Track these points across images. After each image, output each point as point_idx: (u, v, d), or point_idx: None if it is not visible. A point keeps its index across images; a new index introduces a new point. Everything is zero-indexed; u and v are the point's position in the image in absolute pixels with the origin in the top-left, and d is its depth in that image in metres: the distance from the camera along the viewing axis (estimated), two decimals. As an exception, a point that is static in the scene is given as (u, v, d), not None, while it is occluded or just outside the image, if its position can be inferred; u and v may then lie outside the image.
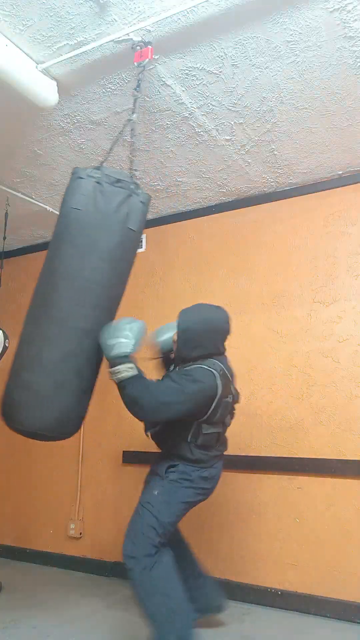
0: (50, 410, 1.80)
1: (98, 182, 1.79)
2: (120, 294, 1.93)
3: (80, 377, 1.83)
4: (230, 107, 2.28)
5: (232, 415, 2.12)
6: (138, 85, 1.96)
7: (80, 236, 1.79)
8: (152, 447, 2.19)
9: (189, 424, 1.98)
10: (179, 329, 2.07)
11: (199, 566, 2.27)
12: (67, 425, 1.88)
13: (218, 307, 2.14)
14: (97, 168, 1.84)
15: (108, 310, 1.88)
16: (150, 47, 1.89)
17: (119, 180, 1.81)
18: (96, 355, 1.86)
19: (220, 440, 2.11)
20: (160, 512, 1.93)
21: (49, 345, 1.79)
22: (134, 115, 1.98)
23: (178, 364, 2.11)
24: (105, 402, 2.98)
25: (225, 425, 2.10)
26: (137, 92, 1.97)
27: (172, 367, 2.19)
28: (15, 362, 1.89)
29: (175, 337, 2.10)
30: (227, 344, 3.00)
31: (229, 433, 2.90)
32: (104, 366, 1.91)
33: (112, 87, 2.18)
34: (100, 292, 1.81)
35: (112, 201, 1.79)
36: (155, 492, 1.97)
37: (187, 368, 1.98)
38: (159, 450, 2.15)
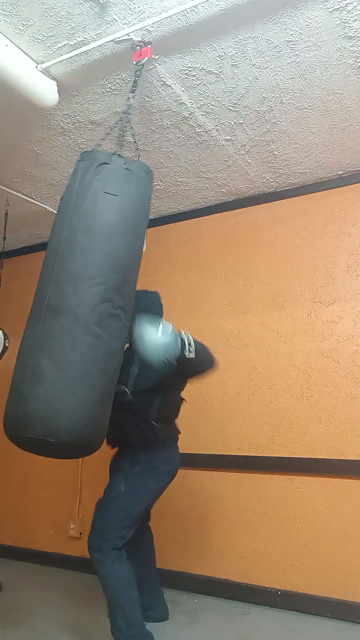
0: (21, 402, 1.54)
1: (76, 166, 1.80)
2: (103, 263, 1.66)
3: (49, 358, 1.56)
4: (230, 107, 2.28)
5: None
6: (134, 85, 1.94)
7: (59, 215, 1.78)
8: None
9: (152, 395, 2.04)
10: (141, 309, 2.05)
11: (155, 571, 2.36)
12: (39, 421, 1.51)
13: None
14: None
15: (83, 282, 1.62)
16: (149, 47, 1.88)
17: (87, 153, 1.78)
18: (68, 338, 1.58)
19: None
20: (129, 504, 2.00)
21: (27, 327, 1.69)
22: (129, 110, 1.94)
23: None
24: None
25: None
26: (134, 87, 1.94)
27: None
28: None
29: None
30: (227, 344, 3.02)
31: (229, 433, 2.90)
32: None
33: (112, 87, 2.18)
34: (71, 263, 1.65)
35: (81, 173, 1.75)
36: (122, 488, 2.02)
37: None
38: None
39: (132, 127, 1.94)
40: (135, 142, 1.97)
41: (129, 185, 1.73)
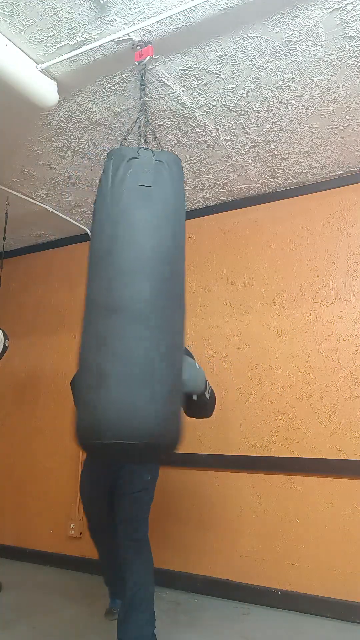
0: (89, 408, 1.49)
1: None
2: (149, 256, 1.62)
3: (111, 357, 1.50)
4: (230, 107, 2.28)
5: None
6: (142, 83, 1.91)
7: (96, 215, 1.74)
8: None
9: None
10: None
11: None
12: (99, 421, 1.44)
13: None
14: None
15: (133, 276, 1.58)
16: (150, 45, 1.88)
17: (115, 151, 1.76)
18: (127, 335, 1.53)
19: None
20: (153, 489, 2.12)
21: (82, 332, 1.65)
22: (144, 107, 1.90)
23: None
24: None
25: None
26: (142, 88, 1.91)
27: None
28: None
29: None
30: (227, 344, 3.02)
31: (229, 433, 2.90)
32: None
33: (112, 87, 2.18)
34: (117, 259, 1.62)
35: (112, 171, 1.73)
36: (149, 477, 2.10)
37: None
38: None
39: (150, 124, 1.94)
40: (156, 137, 1.96)
41: (162, 176, 1.71)
